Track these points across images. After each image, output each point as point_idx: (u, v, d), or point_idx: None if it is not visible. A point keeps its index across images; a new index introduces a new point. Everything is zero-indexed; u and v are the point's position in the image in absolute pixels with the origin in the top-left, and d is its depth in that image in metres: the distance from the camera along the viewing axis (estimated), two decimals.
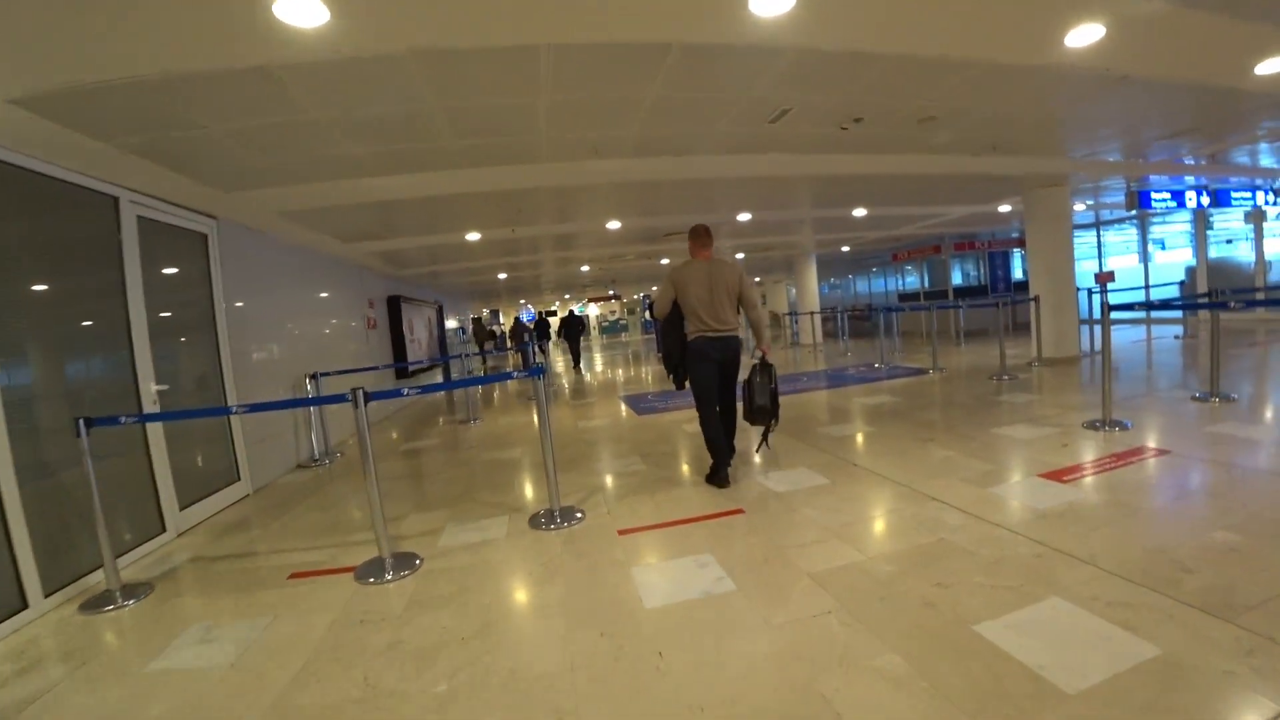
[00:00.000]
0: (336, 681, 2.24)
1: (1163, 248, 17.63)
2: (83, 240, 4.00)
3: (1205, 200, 9.44)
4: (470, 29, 2.89)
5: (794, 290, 25.53)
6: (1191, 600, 2.19)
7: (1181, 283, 13.15)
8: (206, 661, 2.48)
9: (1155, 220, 14.51)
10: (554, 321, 23.71)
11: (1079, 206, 11.55)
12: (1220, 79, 4.52)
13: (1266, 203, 10.35)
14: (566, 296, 31.74)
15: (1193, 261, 13.55)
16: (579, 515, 3.84)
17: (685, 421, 6.37)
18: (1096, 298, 10.17)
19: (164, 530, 4.21)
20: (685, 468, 4.79)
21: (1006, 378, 7.44)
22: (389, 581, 3.13)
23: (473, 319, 24.40)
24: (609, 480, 4.63)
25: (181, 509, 4.44)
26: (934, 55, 3.69)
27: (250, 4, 2.45)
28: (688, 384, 4.28)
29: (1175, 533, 2.81)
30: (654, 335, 21.76)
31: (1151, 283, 13.26)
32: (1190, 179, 9.20)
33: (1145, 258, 15.45)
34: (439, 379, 13.39)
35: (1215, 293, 5.32)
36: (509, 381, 13.75)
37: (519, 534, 3.66)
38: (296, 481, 5.71)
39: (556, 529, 3.65)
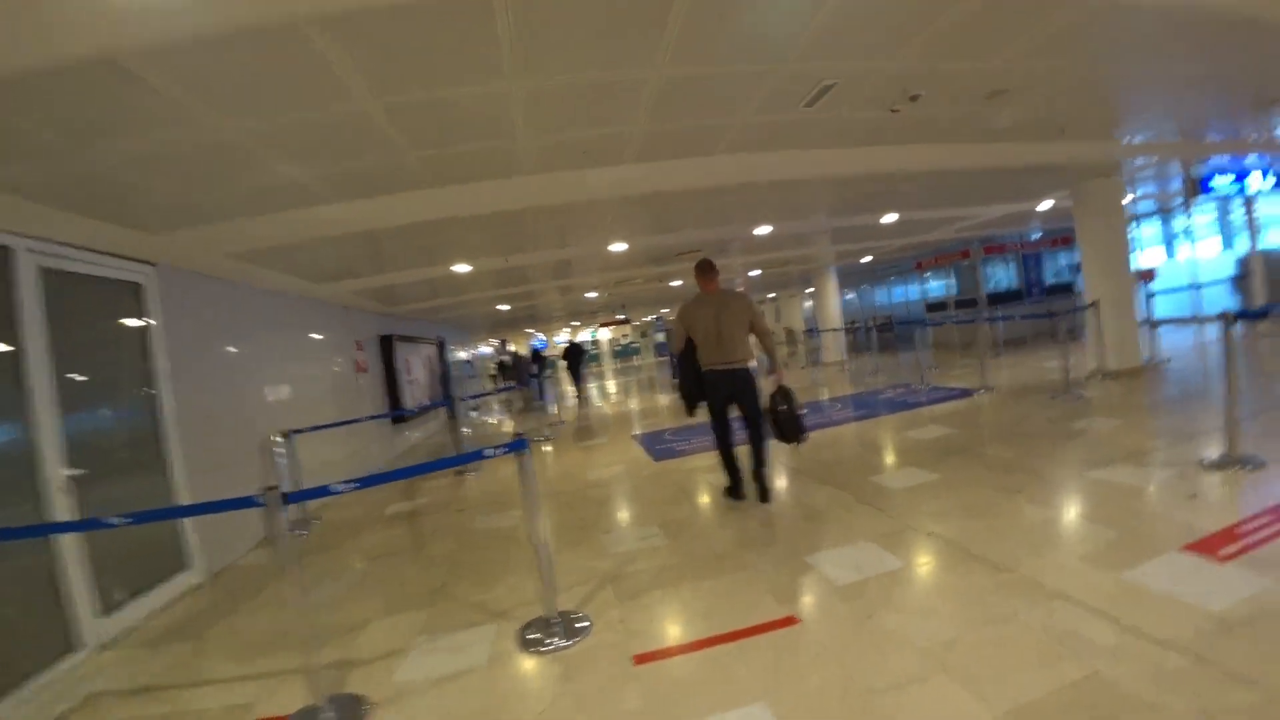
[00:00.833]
0: None
1: (1192, 240, 16.69)
2: None
3: (1271, 181, 8.48)
4: None
5: (810, 304, 24.69)
6: None
7: (1234, 277, 12.11)
8: None
9: (1178, 213, 13.46)
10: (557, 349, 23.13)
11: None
12: None
13: None
14: (575, 324, 31.08)
15: (1241, 253, 12.48)
16: (584, 624, 2.97)
17: (709, 470, 5.50)
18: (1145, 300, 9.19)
19: (76, 648, 3.39)
20: (714, 540, 3.91)
21: (1071, 396, 6.50)
22: None
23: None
24: (619, 566, 3.74)
25: (107, 614, 3.64)
26: None
27: None
28: (697, 412, 4.55)
29: None
30: (668, 358, 20.88)
31: (1200, 279, 12.21)
32: (1253, 157, 8.24)
33: (1170, 253, 14.54)
34: (433, 425, 12.58)
35: None
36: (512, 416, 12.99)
37: (504, 658, 2.79)
38: (261, 563, 4.89)
39: (553, 651, 2.78)
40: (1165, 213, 13.68)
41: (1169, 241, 15.09)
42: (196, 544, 4.57)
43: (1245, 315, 3.89)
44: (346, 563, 4.62)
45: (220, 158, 3.27)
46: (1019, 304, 15.27)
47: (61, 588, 3.42)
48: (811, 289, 19.93)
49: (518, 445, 2.79)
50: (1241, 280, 11.87)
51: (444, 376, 13.89)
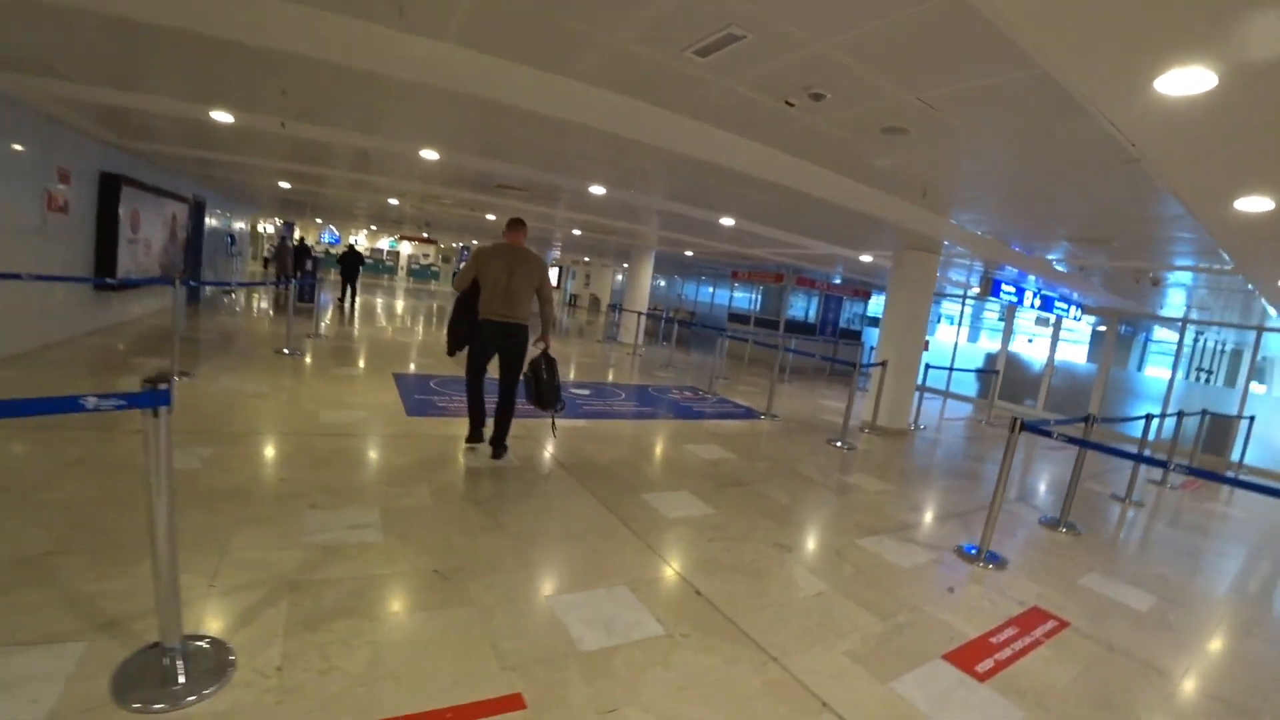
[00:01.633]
0: None
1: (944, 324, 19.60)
2: None
3: (1038, 303, 9.83)
4: None
5: (620, 279, 24.79)
6: None
7: (980, 370, 14.15)
8: None
9: (964, 302, 15.62)
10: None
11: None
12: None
13: (1070, 315, 11.22)
14: (374, 228, 28.18)
15: (993, 350, 14.70)
16: (226, 663, 2.01)
17: (463, 436, 4.73)
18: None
19: None
20: (443, 550, 3.09)
21: (846, 446, 6.78)
22: None
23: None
24: (308, 567, 2.75)
25: None
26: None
27: None
28: (459, 353, 4.59)
29: None
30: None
31: (955, 363, 14.12)
32: (1033, 279, 9.45)
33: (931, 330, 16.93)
34: (166, 302, 10.04)
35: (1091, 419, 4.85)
36: (259, 295, 11.02)
37: (69, 718, 1.74)
38: None
39: (156, 715, 1.80)
40: (956, 297, 15.62)
41: (935, 320, 17.44)
42: None
43: (1031, 428, 4.04)
44: None
45: None
46: (812, 337, 16.57)
47: None
48: (626, 265, 19.87)
49: (149, 399, 1.71)
50: (983, 374, 13.90)
51: (193, 246, 11.13)
